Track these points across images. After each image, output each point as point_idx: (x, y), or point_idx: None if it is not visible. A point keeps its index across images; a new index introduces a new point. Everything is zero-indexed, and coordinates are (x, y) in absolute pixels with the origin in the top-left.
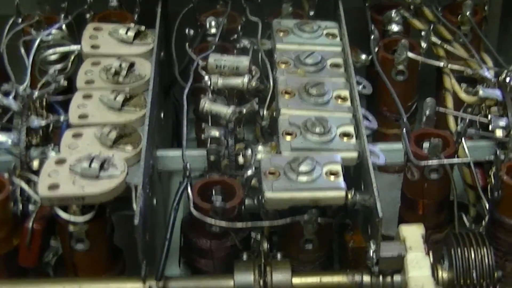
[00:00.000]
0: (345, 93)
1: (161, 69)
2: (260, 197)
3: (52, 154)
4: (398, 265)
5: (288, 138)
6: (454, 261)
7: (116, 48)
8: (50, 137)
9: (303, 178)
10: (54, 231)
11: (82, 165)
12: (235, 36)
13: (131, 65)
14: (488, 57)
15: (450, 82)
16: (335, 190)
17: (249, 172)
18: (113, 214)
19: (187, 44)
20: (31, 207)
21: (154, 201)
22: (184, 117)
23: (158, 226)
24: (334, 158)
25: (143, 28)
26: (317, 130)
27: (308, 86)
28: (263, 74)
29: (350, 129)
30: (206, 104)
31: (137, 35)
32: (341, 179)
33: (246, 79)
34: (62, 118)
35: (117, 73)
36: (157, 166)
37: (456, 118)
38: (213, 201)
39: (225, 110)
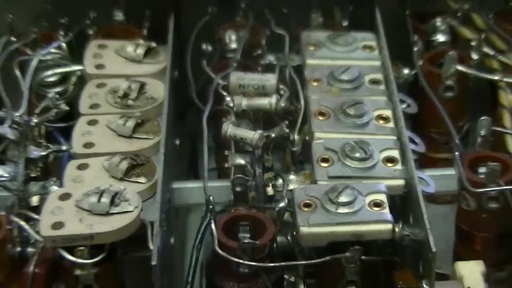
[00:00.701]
0: (387, 112)
1: (175, 90)
2: (294, 233)
3: (54, 188)
4: None
5: (324, 165)
6: None
7: (123, 67)
8: (49, 169)
9: (343, 210)
10: (58, 276)
11: (90, 200)
12: (259, 51)
13: (142, 86)
14: None
15: (506, 97)
16: (381, 223)
17: (281, 205)
18: (125, 255)
19: (204, 61)
20: (30, 249)
21: (172, 240)
22: (204, 143)
23: (176, 269)
24: (377, 187)
25: (154, 44)
26: (357, 155)
27: (345, 105)
28: (292, 93)
29: (395, 153)
30: (230, 128)
31: (148, 52)
32: (386, 210)
33: (273, 99)
34: (64, 147)
35: (126, 95)
36: (174, 200)
37: None
38: (241, 238)
39: (251, 135)
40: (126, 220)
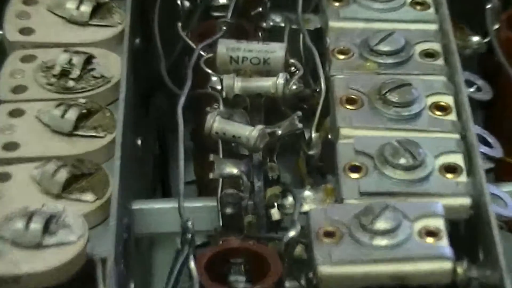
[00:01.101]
0: (447, 99)
1: (137, 66)
2: (310, 275)
3: None
4: None
5: (354, 176)
6: None
7: (61, 33)
8: None
9: (382, 241)
10: None
11: (13, 226)
12: (260, 9)
13: (88, 60)
14: None
15: None
16: (436, 261)
17: (291, 234)
18: None
19: (179, 23)
20: None
21: (132, 285)
22: (179, 144)
23: None
24: (431, 207)
25: None
26: (402, 161)
27: (385, 89)
28: (308, 71)
29: (457, 159)
30: (216, 122)
31: (96, 10)
32: (444, 242)
33: (281, 80)
34: None
35: (65, 73)
36: (136, 226)
37: None
38: (232, 282)
39: (248, 131)
40: (65, 256)
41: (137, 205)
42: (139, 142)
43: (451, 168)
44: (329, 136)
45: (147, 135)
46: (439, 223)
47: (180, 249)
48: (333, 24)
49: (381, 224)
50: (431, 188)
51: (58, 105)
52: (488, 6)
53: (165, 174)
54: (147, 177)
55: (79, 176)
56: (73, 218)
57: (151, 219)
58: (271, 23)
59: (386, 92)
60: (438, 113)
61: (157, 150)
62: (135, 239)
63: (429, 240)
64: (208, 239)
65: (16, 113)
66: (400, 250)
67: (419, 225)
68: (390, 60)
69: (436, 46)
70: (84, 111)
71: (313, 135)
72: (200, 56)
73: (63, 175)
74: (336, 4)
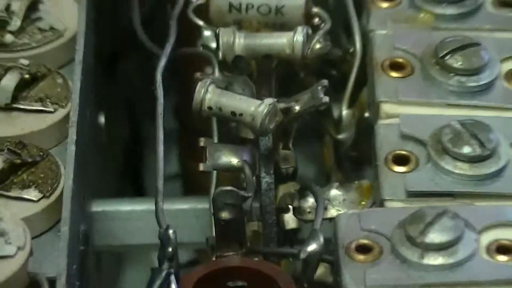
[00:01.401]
0: None
1: (100, 15)
2: None
3: None
4: None
5: (399, 169)
6: None
7: None
8: None
9: (436, 260)
10: None
11: None
12: None
13: (32, 5)
14: None
15: None
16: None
17: (311, 249)
18: None
19: None
20: None
21: None
22: (158, 123)
23: None
24: (506, 214)
25: None
26: (467, 150)
27: (444, 50)
28: (337, 24)
29: None
30: (210, 93)
31: None
32: None
33: (299, 36)
34: None
35: (0, 25)
36: (97, 236)
37: None
38: None
39: (253, 106)
40: (2, 272)
41: (98, 207)
42: (102, 120)
43: None
44: (366, 115)
45: (113, 111)
46: None
47: (157, 268)
48: None
49: (435, 236)
50: (506, 187)
51: None
52: None
53: (138, 165)
54: (114, 168)
55: (19, 166)
56: (11, 223)
57: (118, 226)
58: None
59: (446, 54)
60: None
61: (128, 132)
62: (95, 253)
63: (502, 258)
64: (197, 255)
65: None
66: (462, 272)
67: (488, 237)
68: (452, 10)
69: None
70: (27, 76)
71: (344, 113)
72: (188, 2)
73: None
74: None
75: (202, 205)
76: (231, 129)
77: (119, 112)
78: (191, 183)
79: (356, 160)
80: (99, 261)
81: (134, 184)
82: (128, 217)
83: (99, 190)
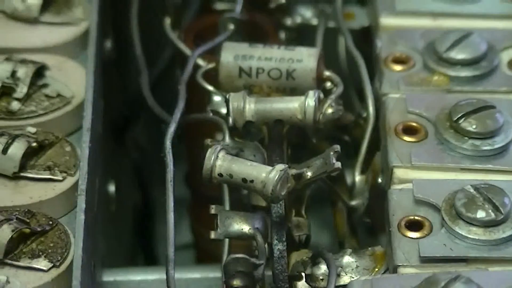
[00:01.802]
0: None
1: (108, 82)
2: None
3: None
4: None
5: (413, 234)
6: None
7: (3, 34)
8: None
9: None
10: None
11: None
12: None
13: (39, 72)
14: None
15: None
16: None
17: None
18: None
19: (167, 19)
20: None
21: None
22: (168, 191)
23: None
24: None
25: None
26: (481, 214)
27: (458, 113)
28: (350, 88)
29: None
30: (220, 160)
31: (50, 2)
32: None
33: (311, 100)
34: None
35: (6, 91)
36: None
37: None
38: None
39: (264, 173)
40: None
41: (109, 276)
42: (112, 188)
43: None
44: (379, 180)
45: (123, 179)
46: None
47: None
48: (386, 20)
49: None
50: None
51: None
52: None
53: (149, 233)
54: (124, 237)
55: (28, 235)
56: None
57: None
58: (299, 20)
59: (461, 117)
60: None
61: (138, 200)
62: None
63: None
64: None
65: None
66: None
67: None
68: (466, 73)
69: None
70: (34, 144)
71: (357, 178)
72: (197, 66)
73: (6, 234)
74: None
75: (214, 274)
76: (243, 196)
77: (129, 179)
78: (203, 252)
79: (370, 227)
80: None
81: (146, 253)
82: (139, 286)
83: (110, 259)
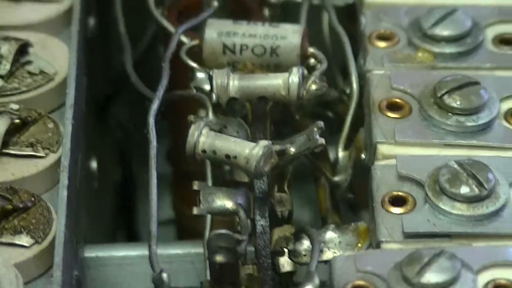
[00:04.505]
0: None
1: (91, 59)
2: None
3: None
4: None
5: (395, 210)
6: None
7: None
8: None
9: None
10: None
11: None
12: None
13: (22, 49)
14: None
15: None
16: None
17: None
18: None
19: None
20: None
21: None
22: (151, 167)
23: None
24: (504, 254)
25: None
26: (465, 190)
27: (443, 89)
28: (334, 65)
29: None
30: (203, 136)
31: None
32: None
33: (295, 77)
34: None
35: None
36: (89, 281)
37: None
38: None
39: (247, 149)
40: None
41: (91, 252)
42: (94, 164)
43: None
44: (363, 156)
45: (105, 156)
46: None
47: None
48: None
49: (432, 277)
50: (504, 227)
51: None
52: None
53: (131, 210)
54: (106, 214)
55: (10, 212)
56: (3, 269)
57: (111, 272)
58: None
59: (445, 93)
60: None
61: (120, 176)
62: None
63: None
64: None
65: None
66: None
67: (485, 277)
68: (450, 49)
69: None
70: (17, 121)
71: (340, 154)
72: (180, 43)
73: None
74: None
75: (196, 249)
76: (225, 173)
77: (112, 156)
78: (185, 228)
79: (353, 202)
80: None
81: (128, 229)
82: (122, 262)
83: (92, 235)
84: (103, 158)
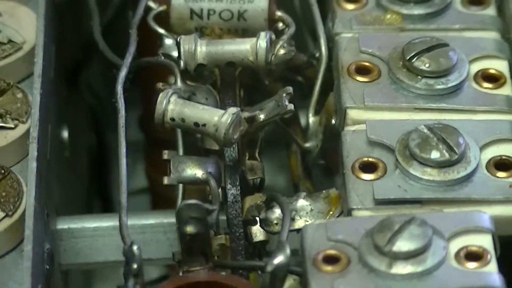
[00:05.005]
0: (500, 65)
1: (60, 26)
2: None
3: None
4: None
5: (366, 176)
6: None
7: None
8: None
9: (404, 269)
10: None
11: None
12: None
13: None
14: None
15: None
16: None
17: (278, 261)
18: None
19: None
20: None
21: None
22: (120, 136)
23: None
24: (475, 219)
25: None
26: (435, 155)
27: (411, 51)
28: (302, 28)
29: None
30: (172, 104)
31: None
32: (492, 266)
33: (262, 41)
34: None
35: None
36: (61, 254)
37: None
38: None
39: (216, 116)
40: None
41: (63, 224)
42: (65, 134)
43: (503, 164)
44: (333, 121)
45: (77, 125)
46: (484, 242)
47: (123, 285)
48: None
49: (403, 244)
50: (475, 192)
51: None
52: None
53: (105, 179)
54: (80, 183)
55: None
56: None
57: (84, 243)
58: None
59: (413, 56)
60: (486, 85)
61: (93, 145)
62: (62, 272)
63: (471, 265)
64: (167, 271)
65: None
66: (431, 280)
67: (457, 244)
68: (419, 10)
69: None
70: None
71: (311, 120)
72: (148, 9)
73: None
74: None
75: (169, 219)
76: (196, 141)
77: (84, 124)
78: (158, 197)
79: (325, 169)
80: (66, 280)
81: (103, 199)
82: (94, 233)
83: (66, 206)
84: (76, 126)
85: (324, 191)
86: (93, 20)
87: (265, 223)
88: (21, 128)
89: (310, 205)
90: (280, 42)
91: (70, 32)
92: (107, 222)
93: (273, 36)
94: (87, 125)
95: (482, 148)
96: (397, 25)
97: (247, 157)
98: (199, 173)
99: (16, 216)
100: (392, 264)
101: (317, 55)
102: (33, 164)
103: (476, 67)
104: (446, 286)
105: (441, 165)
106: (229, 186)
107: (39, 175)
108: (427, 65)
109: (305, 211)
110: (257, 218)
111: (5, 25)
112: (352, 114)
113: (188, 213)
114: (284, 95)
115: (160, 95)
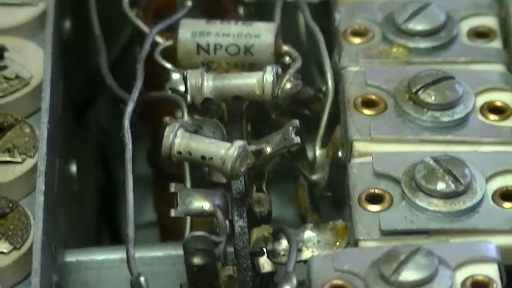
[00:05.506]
0: (506, 97)
1: (67, 62)
2: None
3: None
4: None
5: (372, 208)
6: None
7: None
8: None
9: None
10: None
11: None
12: None
13: None
14: None
15: None
16: None
17: None
18: None
19: None
20: None
21: None
22: (127, 170)
23: None
24: (481, 250)
25: None
26: (441, 186)
27: (418, 84)
28: (309, 63)
29: None
30: (179, 137)
31: None
32: None
33: (269, 75)
34: None
35: None
36: (69, 287)
37: None
38: None
39: (223, 149)
40: None
41: (71, 257)
42: (73, 168)
43: (509, 195)
44: (339, 154)
45: (85, 159)
46: (491, 271)
47: None
48: None
49: (409, 275)
50: (481, 223)
51: None
52: None
53: (113, 213)
54: (89, 216)
55: None
56: None
57: (92, 276)
58: None
59: (420, 89)
60: (492, 117)
61: (102, 179)
62: None
63: None
64: None
65: None
66: None
67: (463, 274)
68: (425, 44)
69: (490, 22)
70: None
71: (317, 153)
72: (155, 44)
73: None
74: None
75: (177, 251)
76: (203, 174)
77: (92, 158)
78: (167, 229)
79: (332, 201)
80: None
81: (112, 231)
82: (102, 266)
83: (75, 239)
84: (84, 161)
85: (330, 222)
86: (101, 55)
87: (272, 255)
88: (29, 163)
89: (317, 236)
90: (287, 76)
91: (77, 68)
92: (115, 255)
93: (280, 70)
94: (95, 160)
95: (488, 179)
96: (403, 58)
97: (254, 190)
98: (206, 205)
99: (24, 249)
100: None
101: (323, 88)
102: (41, 198)
103: (482, 99)
104: None
105: (447, 196)
106: (236, 218)
107: (47, 209)
108: (433, 98)
109: (312, 242)
110: (264, 250)
111: (12, 61)
112: (359, 146)
113: (195, 245)
114: (291, 128)
115: (167, 128)
